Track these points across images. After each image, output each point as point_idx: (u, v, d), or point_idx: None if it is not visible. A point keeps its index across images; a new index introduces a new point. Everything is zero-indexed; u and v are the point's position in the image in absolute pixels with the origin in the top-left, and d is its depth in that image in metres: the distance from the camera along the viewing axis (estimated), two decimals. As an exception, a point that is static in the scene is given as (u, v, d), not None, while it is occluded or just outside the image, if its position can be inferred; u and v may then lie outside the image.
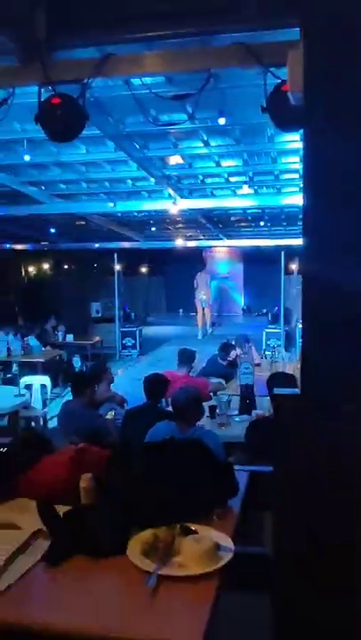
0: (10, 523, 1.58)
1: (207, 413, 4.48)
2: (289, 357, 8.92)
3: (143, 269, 21.67)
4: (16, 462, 1.84)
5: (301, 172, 1.75)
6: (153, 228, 13.49)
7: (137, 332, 14.23)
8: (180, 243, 14.22)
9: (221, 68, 3.25)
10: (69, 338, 12.14)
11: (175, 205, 8.40)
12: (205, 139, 5.80)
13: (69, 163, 6.74)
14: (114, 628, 1.19)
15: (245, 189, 8.09)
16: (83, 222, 11.35)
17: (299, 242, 1.86)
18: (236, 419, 4.77)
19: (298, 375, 2.20)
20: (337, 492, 1.61)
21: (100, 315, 15.88)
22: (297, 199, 7.63)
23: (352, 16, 1.70)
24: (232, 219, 11.86)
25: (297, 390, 1.82)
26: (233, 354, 7.09)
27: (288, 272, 14.12)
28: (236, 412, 4.90)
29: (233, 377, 6.34)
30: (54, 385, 8.23)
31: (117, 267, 14.96)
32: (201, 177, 7.55)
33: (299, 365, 1.86)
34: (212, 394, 5.18)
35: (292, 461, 1.76)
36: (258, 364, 6.91)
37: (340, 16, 1.71)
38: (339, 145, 1.70)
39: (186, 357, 5.96)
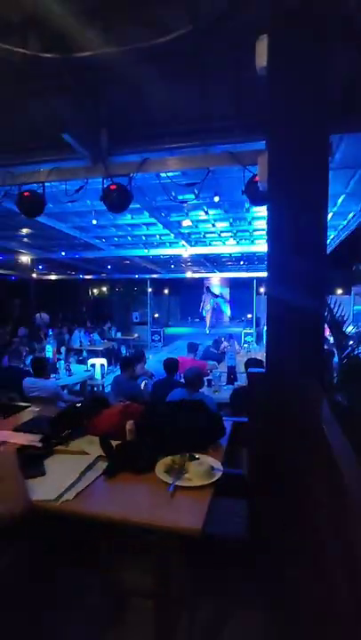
0: (82, 451, 1.59)
1: (206, 384, 4.49)
2: (259, 349, 8.83)
3: (166, 291, 21.67)
4: (86, 413, 1.83)
5: (266, 230, 1.77)
6: (172, 265, 13.32)
7: (161, 331, 14.22)
8: (189, 275, 14.08)
9: (216, 166, 3.25)
10: (119, 334, 12.16)
11: (186, 251, 8.37)
12: (206, 210, 5.78)
13: (121, 224, 6.74)
14: (146, 517, 1.20)
15: (231, 241, 8.00)
16: (128, 262, 11.30)
17: (265, 274, 1.87)
18: (225, 387, 4.76)
19: (264, 360, 2.20)
20: (289, 435, 1.61)
21: (138, 320, 15.91)
22: (264, 247, 7.59)
23: (299, 133, 1.73)
24: (223, 259, 11.75)
25: (263, 370, 1.84)
26: (222, 346, 7.06)
27: (258, 293, 14.04)
28: (225, 383, 4.90)
29: (222, 360, 6.31)
30: (109, 364, 8.20)
31: (149, 289, 15.03)
32: (203, 233, 7.48)
33: (264, 353, 1.87)
34: (209, 371, 5.16)
35: (260, 415, 1.79)
36: (238, 353, 6.92)
37: (291, 133, 1.74)
38: (288, 214, 1.74)
39: (192, 348, 5.91)
